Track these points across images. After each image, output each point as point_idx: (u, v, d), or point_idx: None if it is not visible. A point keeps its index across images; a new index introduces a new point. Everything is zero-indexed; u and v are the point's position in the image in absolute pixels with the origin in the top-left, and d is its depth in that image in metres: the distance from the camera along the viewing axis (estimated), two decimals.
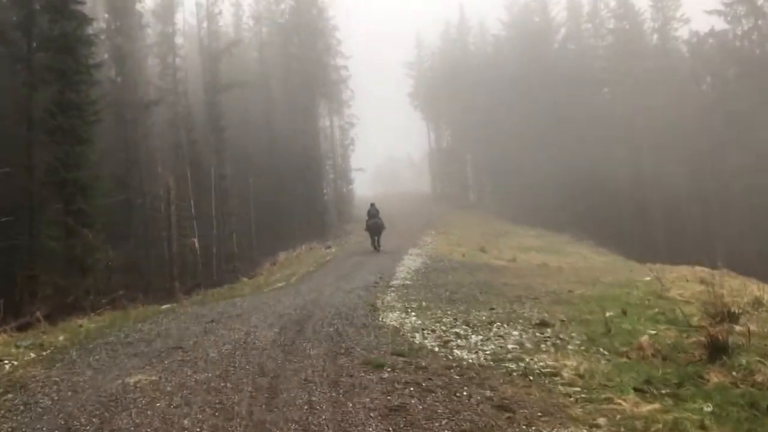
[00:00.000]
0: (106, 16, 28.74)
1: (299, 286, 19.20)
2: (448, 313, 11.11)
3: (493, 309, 11.33)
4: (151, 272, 26.51)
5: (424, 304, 12.62)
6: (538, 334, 8.68)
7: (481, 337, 8.60)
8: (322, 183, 52.35)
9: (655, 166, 47.05)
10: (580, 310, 10.79)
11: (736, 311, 9.26)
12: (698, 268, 21.19)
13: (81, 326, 10.69)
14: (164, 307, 15.43)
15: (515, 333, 8.78)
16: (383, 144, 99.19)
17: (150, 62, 37.00)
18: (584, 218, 47.76)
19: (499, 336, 8.61)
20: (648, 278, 16.92)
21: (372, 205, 30.69)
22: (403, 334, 8.86)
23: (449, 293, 14.48)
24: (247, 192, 41.27)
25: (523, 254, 32.73)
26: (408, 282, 18.40)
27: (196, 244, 30.54)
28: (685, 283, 15.68)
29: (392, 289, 16.43)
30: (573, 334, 8.56)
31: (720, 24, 42.48)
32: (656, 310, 10.87)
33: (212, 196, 33.29)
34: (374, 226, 29.57)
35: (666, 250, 44.30)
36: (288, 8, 49.06)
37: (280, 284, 22.28)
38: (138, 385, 6.24)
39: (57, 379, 6.84)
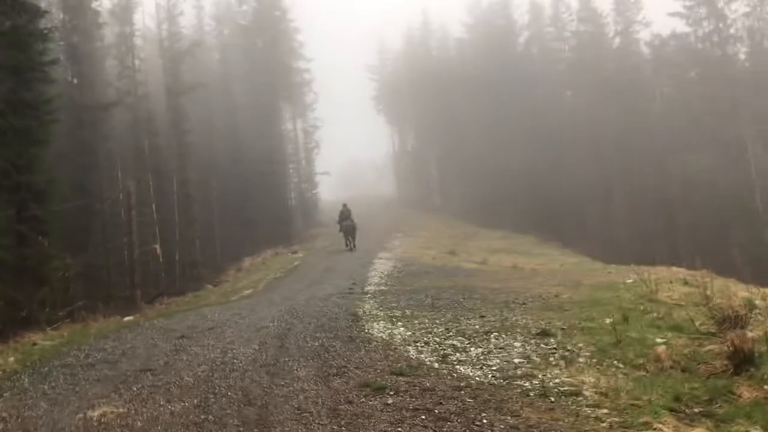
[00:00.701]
0: (61, 14, 27.40)
1: (270, 295, 18.39)
2: (437, 322, 10.44)
3: (483, 317, 10.67)
4: (111, 281, 25.23)
5: (408, 312, 11.92)
6: (542, 345, 8.02)
7: (481, 349, 7.92)
8: (287, 187, 51.32)
9: (619, 167, 47.22)
10: (576, 316, 10.18)
11: (744, 315, 8.75)
12: (675, 269, 20.98)
13: (35, 344, 9.69)
14: (127, 319, 14.43)
15: (517, 344, 8.11)
16: (346, 147, 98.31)
17: (108, 64, 35.55)
18: (548, 220, 47.63)
19: (500, 348, 7.93)
20: (630, 280, 16.52)
21: (344, 206, 31.08)
22: (395, 348, 8.13)
23: (431, 299, 13.81)
24: (211, 196, 40.03)
25: (493, 256, 32.30)
26: (383, 288, 17.78)
27: (159, 251, 29.30)
28: (670, 285, 15.26)
29: (369, 295, 15.79)
30: (580, 345, 7.92)
31: (681, 27, 42.96)
32: (654, 315, 10.33)
33: (174, 201, 32.05)
34: (348, 227, 30.11)
35: (630, 251, 44.31)
36: (251, 9, 47.94)
37: (247, 291, 21.46)
38: (103, 420, 5.35)
39: (5, 414, 5.86)
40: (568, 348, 7.77)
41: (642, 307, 11.26)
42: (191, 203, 35.03)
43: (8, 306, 13.93)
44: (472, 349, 7.95)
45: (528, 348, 7.86)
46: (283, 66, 49.52)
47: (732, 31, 39.59)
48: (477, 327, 9.58)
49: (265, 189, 44.60)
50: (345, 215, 30.44)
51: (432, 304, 13.06)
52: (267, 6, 48.00)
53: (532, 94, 50.44)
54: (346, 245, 30.47)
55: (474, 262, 28.36)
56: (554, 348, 7.81)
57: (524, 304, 12.16)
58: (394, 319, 10.96)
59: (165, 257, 29.71)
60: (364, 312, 12.03)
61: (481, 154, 56.75)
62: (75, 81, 26.33)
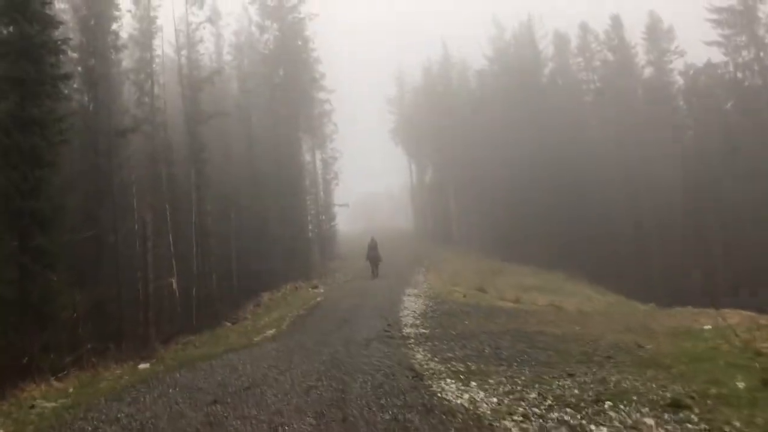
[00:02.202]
0: (79, 36, 26.21)
1: (300, 337, 16.57)
2: (518, 382, 8.61)
3: (572, 375, 8.83)
4: (123, 318, 23.49)
5: (472, 366, 10.09)
6: (686, 424, 6.13)
7: (606, 428, 6.08)
8: (305, 219, 49.72)
9: (648, 200, 45.43)
10: (692, 378, 8.30)
11: None
12: (744, 312, 19.05)
13: (33, 407, 7.89)
14: (143, 367, 12.67)
15: (649, 421, 6.25)
16: (362, 179, 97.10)
17: (126, 90, 34.42)
18: (574, 255, 45.82)
19: (632, 428, 6.09)
20: (708, 326, 14.66)
21: (372, 239, 34.85)
22: (490, 425, 6.31)
23: (490, 348, 11.99)
24: (228, 228, 38.48)
25: (525, 294, 30.49)
26: (424, 330, 15.97)
27: (175, 285, 27.68)
28: (757, 333, 13.36)
29: (413, 341, 14.00)
30: (736, 424, 6.06)
31: (716, 56, 41.49)
32: None
33: (192, 233, 30.44)
34: (374, 257, 34.17)
35: (662, 287, 42.53)
36: (272, 38, 46.87)
37: (270, 331, 19.65)
38: None
39: None
40: (726, 430, 5.91)
41: (758, 365, 9.40)
42: (209, 235, 33.41)
43: (7, 350, 12.15)
44: (594, 429, 6.11)
45: (670, 429, 6.00)
46: (304, 96, 48.32)
47: None
48: (576, 391, 7.74)
49: (284, 221, 43.04)
50: (372, 246, 34.20)
51: (495, 354, 11.25)
52: (289, 36, 46.95)
53: (556, 126, 48.92)
54: (372, 273, 34.06)
55: (508, 301, 26.67)
56: (705, 429, 5.96)
57: (609, 357, 10.29)
58: (462, 377, 9.14)
59: (180, 292, 28.04)
60: (421, 366, 10.21)
61: (503, 186, 55.13)
62: (91, 106, 24.94)
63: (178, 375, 9.90)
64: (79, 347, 15.32)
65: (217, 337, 21.24)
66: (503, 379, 8.84)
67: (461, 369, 9.81)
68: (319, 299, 27.84)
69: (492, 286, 33.16)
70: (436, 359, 11.06)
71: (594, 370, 9.19)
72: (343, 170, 60.07)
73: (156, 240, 25.32)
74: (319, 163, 57.13)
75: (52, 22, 14.64)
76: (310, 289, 33.37)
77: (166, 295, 26.28)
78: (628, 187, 46.71)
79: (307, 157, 55.00)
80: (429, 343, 13.34)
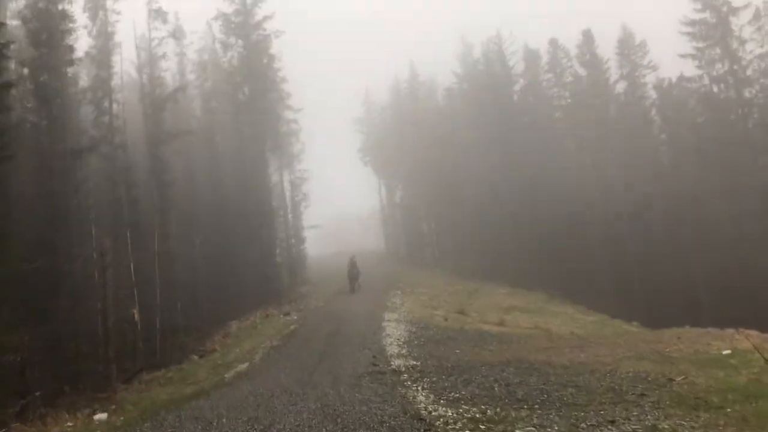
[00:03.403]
0: (32, 51, 24.37)
1: (277, 375, 14.97)
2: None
3: (613, 422, 7.49)
4: (81, 354, 21.48)
5: (487, 410, 8.70)
6: None
7: None
8: (274, 242, 47.84)
9: (627, 216, 44.76)
10: (754, 422, 7.02)
11: None
12: (748, 332, 18.03)
13: None
14: (99, 418, 10.95)
15: None
16: (331, 200, 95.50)
17: (83, 111, 32.42)
18: (553, 274, 44.85)
19: None
20: (727, 351, 13.54)
21: (352, 257, 38.25)
22: None
23: (499, 385, 10.64)
24: (193, 253, 36.53)
25: (508, 315, 29.25)
26: (414, 362, 14.63)
27: (137, 317, 25.71)
28: None
29: (406, 376, 12.64)
30: None
31: (690, 70, 41.20)
32: None
33: (155, 260, 28.51)
34: (354, 274, 37.13)
35: (644, 307, 41.75)
36: (237, 55, 45.32)
37: (242, 366, 18.02)
38: None
39: None
40: None
41: None
42: (173, 261, 31.48)
43: None
44: None
45: None
46: (270, 114, 46.72)
47: (749, 72, 37.67)
48: None
49: (252, 245, 41.17)
50: (352, 264, 37.37)
51: (508, 394, 9.88)
52: (254, 53, 45.36)
53: (528, 143, 48.14)
54: (351, 288, 36.64)
55: (491, 324, 25.50)
56: None
57: (643, 395, 8.98)
58: (482, 427, 7.72)
59: (143, 324, 26.08)
60: (429, 412, 8.77)
61: (475, 205, 54.03)
62: (44, 123, 23.10)
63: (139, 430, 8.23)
64: (27, 394, 13.44)
65: (184, 374, 19.49)
66: (532, 429, 7.45)
67: (476, 415, 8.42)
68: (293, 327, 26.32)
69: (472, 308, 31.99)
70: (441, 401, 9.65)
71: (635, 413, 7.87)
72: (312, 192, 58.61)
73: (116, 269, 23.39)
74: (287, 185, 55.44)
75: None
76: (281, 316, 31.72)
77: (127, 328, 24.30)
78: (604, 204, 46.04)
79: (275, 178, 53.25)
80: (426, 380, 11.98)
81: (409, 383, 11.70)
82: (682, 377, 10.13)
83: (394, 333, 20.86)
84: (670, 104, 42.88)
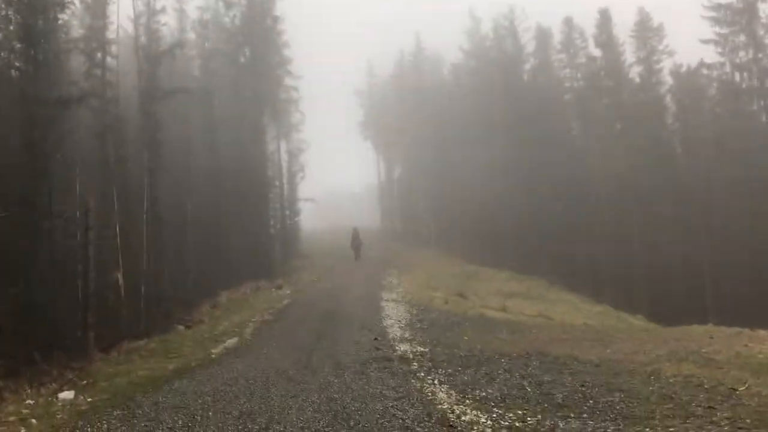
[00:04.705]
0: None
1: (270, 353, 13.59)
2: None
3: None
4: (57, 321, 19.95)
5: (527, 418, 7.25)
6: None
7: None
8: (268, 213, 46.27)
9: (634, 204, 43.37)
10: None
11: None
12: None
13: None
14: (63, 397, 9.46)
15: None
16: (328, 174, 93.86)
17: (74, 61, 30.54)
18: (553, 261, 43.68)
19: None
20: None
21: (355, 229, 41.80)
22: None
23: (530, 384, 9.22)
24: (184, 220, 34.91)
25: (509, 301, 28.00)
26: (421, 348, 13.31)
27: (121, 281, 24.24)
28: None
29: (416, 365, 11.24)
30: None
31: (710, 56, 39.56)
32: None
33: (143, 223, 26.91)
34: (357, 245, 40.46)
35: (646, 299, 40.69)
36: (239, 15, 43.30)
37: (231, 341, 16.63)
38: None
39: None
40: None
41: None
42: (162, 226, 29.84)
43: None
44: None
45: None
46: (271, 79, 44.91)
47: None
48: None
49: (246, 215, 39.63)
50: (355, 236, 40.67)
51: (544, 395, 8.43)
52: (257, 13, 43.49)
53: (536, 125, 46.52)
54: (356, 256, 40.15)
55: (493, 309, 24.43)
56: None
57: (711, 407, 7.57)
58: None
59: (127, 290, 24.60)
60: (456, 416, 7.31)
61: (476, 186, 52.51)
62: (30, 68, 21.32)
63: (108, 416, 6.74)
64: None
65: (168, 345, 17.99)
66: None
67: (516, 424, 6.98)
68: (285, 302, 25.12)
69: (472, 291, 30.84)
70: (467, 401, 8.21)
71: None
72: (309, 164, 56.92)
73: (100, 229, 21.75)
74: (284, 155, 53.63)
75: None
76: (274, 290, 30.53)
77: (110, 294, 22.80)
78: (612, 191, 44.63)
79: (272, 147, 51.45)
80: (441, 371, 10.58)
81: (422, 374, 10.29)
82: (744, 386, 8.73)
83: (393, 314, 19.89)
84: (687, 91, 41.25)
